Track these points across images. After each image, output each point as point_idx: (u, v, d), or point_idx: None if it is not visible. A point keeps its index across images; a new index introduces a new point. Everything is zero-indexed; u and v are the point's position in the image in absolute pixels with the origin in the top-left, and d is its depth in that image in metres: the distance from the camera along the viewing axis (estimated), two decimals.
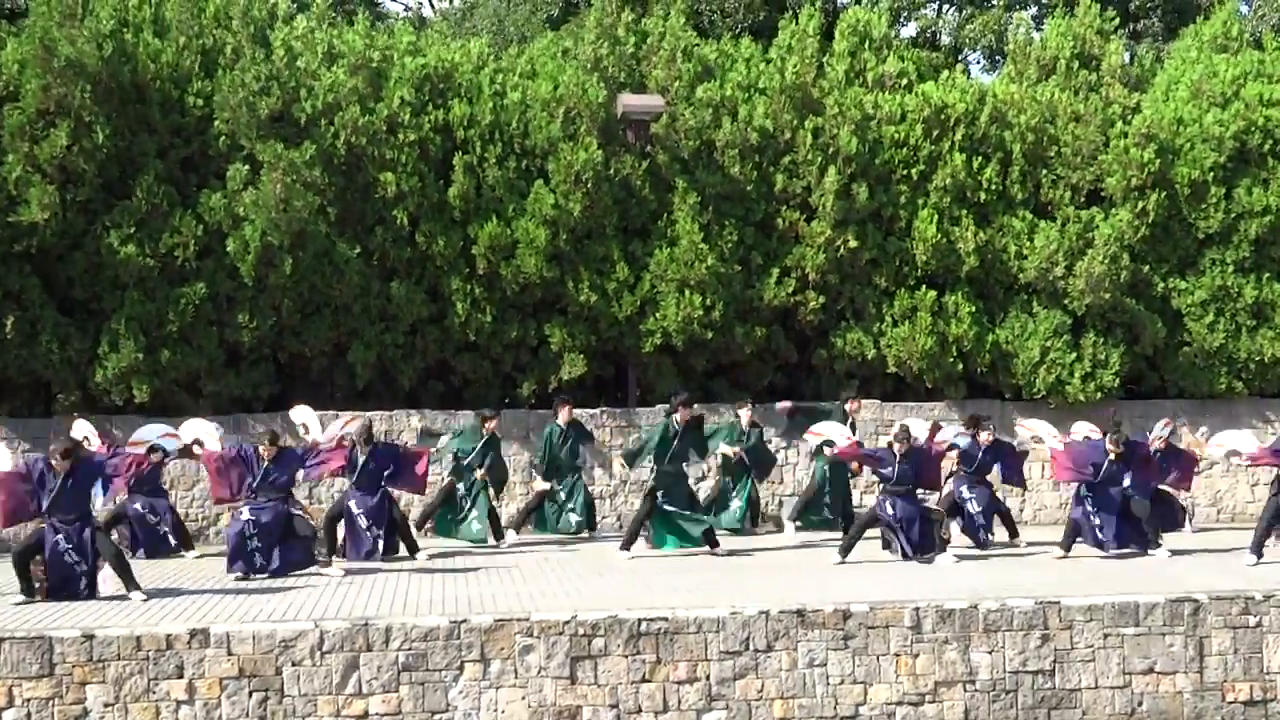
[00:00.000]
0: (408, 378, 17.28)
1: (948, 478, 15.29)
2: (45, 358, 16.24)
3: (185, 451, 15.22)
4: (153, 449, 14.44)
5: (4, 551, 15.51)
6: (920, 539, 14.04)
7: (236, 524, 13.51)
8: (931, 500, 15.18)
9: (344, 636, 10.97)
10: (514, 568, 14.04)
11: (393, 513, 14.76)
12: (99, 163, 16.21)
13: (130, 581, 12.31)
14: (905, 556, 14.02)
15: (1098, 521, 14.28)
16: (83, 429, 15.25)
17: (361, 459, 14.42)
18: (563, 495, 15.79)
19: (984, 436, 15.30)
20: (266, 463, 13.56)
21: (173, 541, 15.17)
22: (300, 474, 14.05)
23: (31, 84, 16.11)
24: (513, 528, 16.04)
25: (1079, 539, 14.36)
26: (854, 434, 15.60)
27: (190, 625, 10.95)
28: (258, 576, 13.37)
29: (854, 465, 15.55)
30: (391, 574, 13.64)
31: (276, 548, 13.52)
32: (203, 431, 14.87)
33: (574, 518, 15.80)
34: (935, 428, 15.60)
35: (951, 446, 15.04)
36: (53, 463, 12.19)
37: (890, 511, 14.12)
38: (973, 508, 15.08)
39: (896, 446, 14.14)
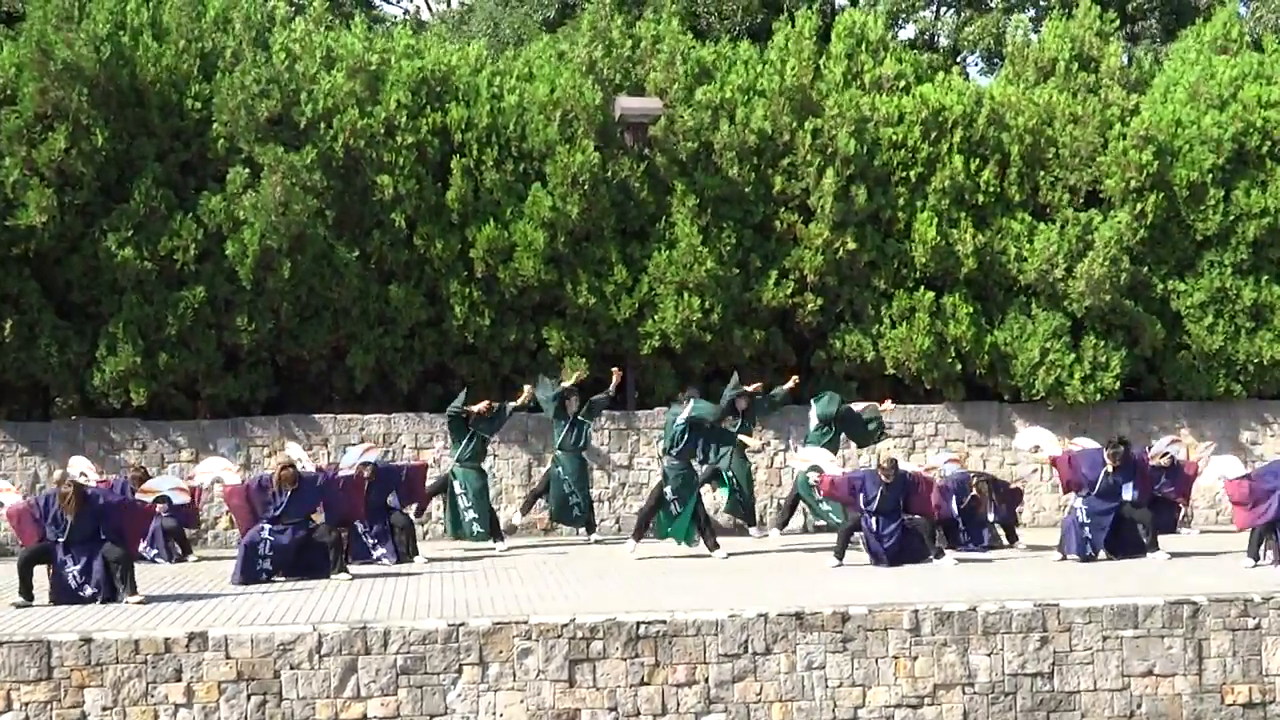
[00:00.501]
0: (406, 381, 17.27)
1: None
2: (44, 361, 16.23)
3: (191, 508, 15.17)
4: (160, 499, 14.41)
5: (6, 555, 15.54)
6: (909, 552, 14.01)
7: (253, 537, 13.45)
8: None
9: (342, 639, 10.96)
10: (512, 570, 14.04)
11: (391, 517, 14.82)
12: (97, 166, 16.21)
13: (131, 586, 12.30)
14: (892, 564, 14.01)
15: (1088, 534, 14.25)
16: (79, 465, 15.27)
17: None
18: (568, 486, 15.86)
19: (977, 489, 15.32)
20: (289, 493, 13.50)
21: (162, 563, 15.08)
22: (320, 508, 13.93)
23: (29, 87, 16.11)
24: (520, 511, 16.42)
25: (1080, 545, 14.37)
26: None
27: (188, 629, 10.94)
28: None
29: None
30: (389, 577, 13.64)
31: (289, 563, 13.55)
32: (219, 469, 14.96)
33: (576, 511, 15.96)
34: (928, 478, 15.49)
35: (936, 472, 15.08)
36: (62, 494, 12.26)
37: (873, 528, 14.07)
38: (964, 533, 15.14)
39: (882, 475, 14.08)
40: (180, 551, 15.29)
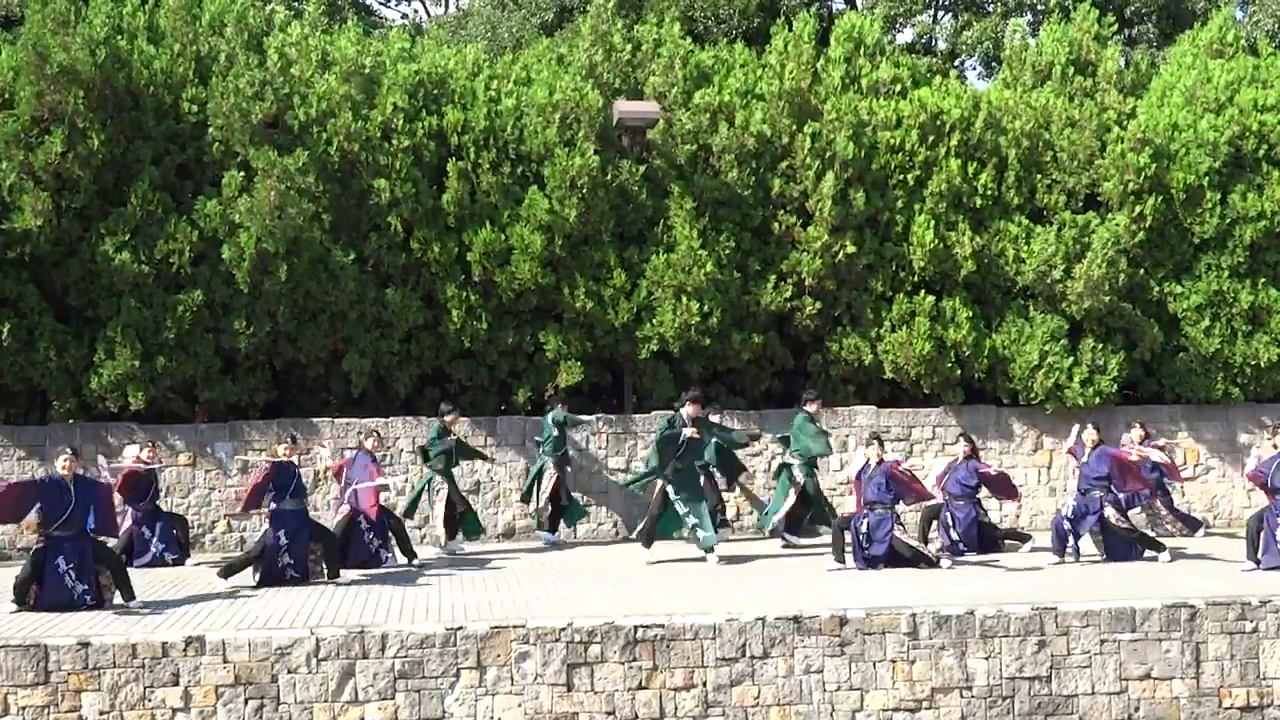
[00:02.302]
0: (403, 385, 17.26)
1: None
2: (41, 365, 16.22)
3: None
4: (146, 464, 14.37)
5: (3, 559, 15.54)
6: (895, 562, 14.00)
7: (271, 542, 13.47)
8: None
9: (340, 644, 10.96)
10: (510, 573, 14.03)
11: (390, 520, 14.81)
12: (94, 169, 16.20)
13: (127, 590, 12.27)
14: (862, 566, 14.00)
15: (1067, 527, 14.34)
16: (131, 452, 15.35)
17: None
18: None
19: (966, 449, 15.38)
20: (297, 468, 13.61)
21: (168, 559, 15.08)
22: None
23: (26, 91, 16.10)
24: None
25: (1065, 544, 14.44)
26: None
27: (186, 633, 10.94)
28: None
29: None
30: (387, 581, 13.62)
31: (302, 559, 13.59)
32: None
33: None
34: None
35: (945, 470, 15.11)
36: (63, 472, 12.23)
37: (861, 529, 14.06)
38: (955, 533, 15.14)
39: (871, 452, 14.09)
40: (178, 555, 15.26)
